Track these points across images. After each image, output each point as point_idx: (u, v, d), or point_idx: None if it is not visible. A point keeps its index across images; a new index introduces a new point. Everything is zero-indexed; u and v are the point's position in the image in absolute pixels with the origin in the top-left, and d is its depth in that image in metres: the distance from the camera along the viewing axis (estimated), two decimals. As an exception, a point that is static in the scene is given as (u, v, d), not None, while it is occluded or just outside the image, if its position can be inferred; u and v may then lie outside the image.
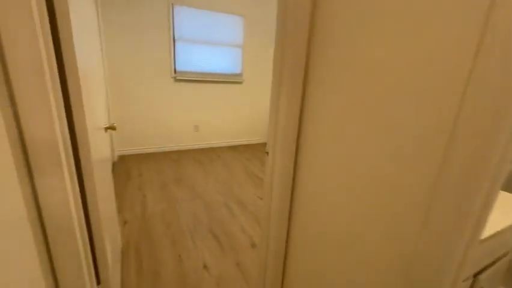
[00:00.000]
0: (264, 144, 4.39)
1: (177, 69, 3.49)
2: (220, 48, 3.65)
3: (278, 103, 1.00)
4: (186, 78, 3.57)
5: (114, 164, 3.15)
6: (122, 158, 3.37)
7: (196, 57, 3.54)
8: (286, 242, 1.18)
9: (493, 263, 0.80)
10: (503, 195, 0.89)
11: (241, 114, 4.17)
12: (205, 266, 1.63)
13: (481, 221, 0.54)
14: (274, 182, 1.09)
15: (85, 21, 1.02)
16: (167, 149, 3.76)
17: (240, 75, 3.94)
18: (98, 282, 1.05)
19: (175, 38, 3.35)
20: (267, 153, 1.10)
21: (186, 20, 3.34)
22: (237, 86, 3.99)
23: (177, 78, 3.52)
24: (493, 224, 0.71)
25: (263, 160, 3.61)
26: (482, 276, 0.75)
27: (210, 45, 3.57)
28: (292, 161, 1.05)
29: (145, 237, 1.88)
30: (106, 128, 1.45)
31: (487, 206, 0.53)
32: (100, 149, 1.14)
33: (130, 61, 3.21)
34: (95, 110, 1.12)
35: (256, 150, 4.04)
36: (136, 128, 3.49)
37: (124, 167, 3.10)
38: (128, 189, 2.58)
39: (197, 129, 3.89)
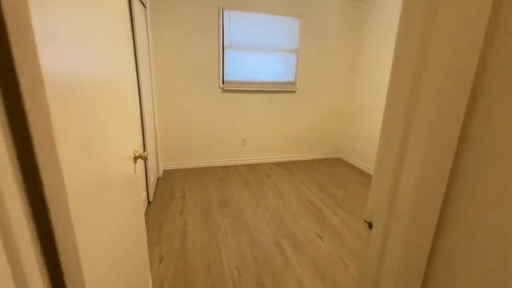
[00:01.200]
0: (321, 161, 3.83)
1: (225, 79, 3.22)
2: (272, 54, 3.28)
3: (405, 136, 0.52)
4: (235, 89, 3.28)
5: (158, 180, 2.99)
6: (168, 174, 3.21)
7: (245, 66, 3.23)
8: None
9: None
10: None
11: (293, 127, 3.71)
12: None
13: None
14: (386, 270, 0.60)
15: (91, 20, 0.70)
16: (213, 164, 3.50)
17: (293, 83, 3.50)
18: None
19: (224, 46, 3.10)
20: (369, 224, 0.63)
21: (236, 25, 3.06)
22: (290, 96, 3.55)
23: (225, 88, 3.25)
24: None
25: (319, 184, 3.07)
26: None
27: (261, 51, 3.23)
28: (427, 248, 0.55)
29: (181, 285, 1.55)
30: (135, 158, 1.15)
31: None
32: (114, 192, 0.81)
33: (176, 72, 3.06)
34: (112, 138, 0.80)
35: (310, 169, 3.51)
36: (182, 142, 3.31)
37: (168, 184, 2.91)
38: (170, 212, 2.33)
39: (244, 143, 3.56)
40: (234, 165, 3.56)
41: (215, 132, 3.40)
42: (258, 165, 3.62)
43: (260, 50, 3.22)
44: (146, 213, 2.29)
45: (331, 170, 3.51)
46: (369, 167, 3.45)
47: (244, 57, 3.20)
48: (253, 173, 3.32)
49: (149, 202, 2.46)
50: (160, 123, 3.16)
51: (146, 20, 2.51)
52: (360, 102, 3.57)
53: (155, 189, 2.75)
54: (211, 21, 3.00)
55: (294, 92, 3.55)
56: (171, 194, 2.67)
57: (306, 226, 2.18)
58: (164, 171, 3.27)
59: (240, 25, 3.08)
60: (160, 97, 3.08)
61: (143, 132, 2.28)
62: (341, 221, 2.28)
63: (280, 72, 3.40)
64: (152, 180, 2.56)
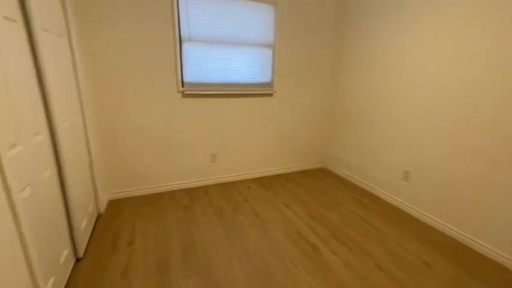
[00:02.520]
0: (305, 173, 3.31)
1: (185, 80, 2.55)
2: (243, 49, 2.68)
3: None
4: (198, 93, 2.62)
5: (99, 219, 2.23)
6: (115, 206, 2.45)
7: (210, 64, 2.59)
8: None
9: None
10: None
11: (272, 136, 3.14)
12: None
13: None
14: None
15: None
16: (175, 187, 2.80)
17: (270, 84, 2.94)
18: None
19: (182, 38, 2.42)
20: None
21: (196, 11, 2.41)
22: (266, 99, 2.98)
23: (186, 92, 2.58)
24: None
25: (308, 205, 2.53)
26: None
27: (229, 47, 2.61)
28: None
29: None
30: None
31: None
32: None
33: (119, 73, 2.31)
34: None
35: (294, 185, 2.97)
36: (133, 162, 2.57)
37: (113, 224, 2.16)
38: (107, 275, 1.61)
39: (214, 159, 2.91)
40: (203, 187, 2.89)
41: (176, 147, 2.71)
42: (233, 183, 2.99)
43: (228, 44, 2.60)
44: (69, 280, 1.55)
45: (318, 185, 3.01)
46: (357, 178, 3.00)
47: (208, 52, 2.55)
48: (227, 195, 2.69)
49: (77, 260, 1.72)
50: (99, 141, 2.38)
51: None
52: (346, 106, 3.11)
53: (90, 235, 1.99)
54: (164, 4, 2.30)
55: (271, 94, 2.98)
56: (114, 241, 1.94)
57: (302, 278, 1.61)
58: (111, 203, 2.50)
59: (200, 11, 2.42)
60: (97, 106, 2.31)
61: (58, 160, 1.54)
62: (344, 264, 1.75)
63: (254, 71, 2.81)
64: (83, 225, 1.81)
